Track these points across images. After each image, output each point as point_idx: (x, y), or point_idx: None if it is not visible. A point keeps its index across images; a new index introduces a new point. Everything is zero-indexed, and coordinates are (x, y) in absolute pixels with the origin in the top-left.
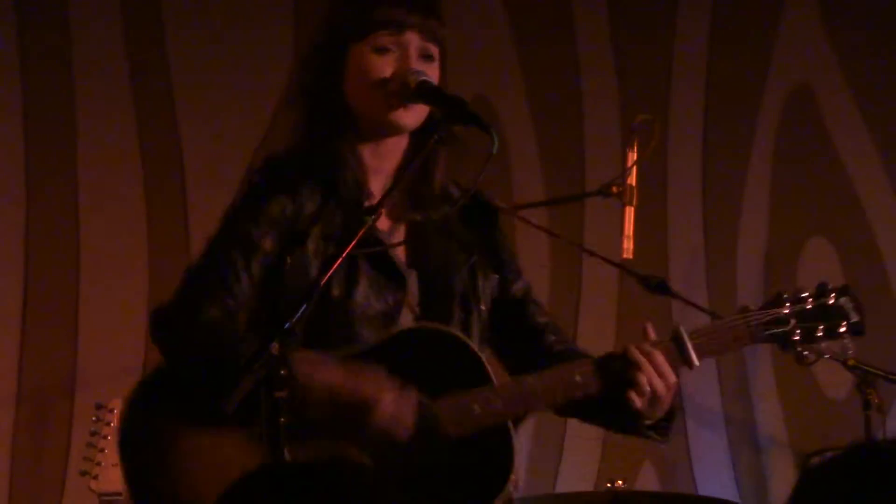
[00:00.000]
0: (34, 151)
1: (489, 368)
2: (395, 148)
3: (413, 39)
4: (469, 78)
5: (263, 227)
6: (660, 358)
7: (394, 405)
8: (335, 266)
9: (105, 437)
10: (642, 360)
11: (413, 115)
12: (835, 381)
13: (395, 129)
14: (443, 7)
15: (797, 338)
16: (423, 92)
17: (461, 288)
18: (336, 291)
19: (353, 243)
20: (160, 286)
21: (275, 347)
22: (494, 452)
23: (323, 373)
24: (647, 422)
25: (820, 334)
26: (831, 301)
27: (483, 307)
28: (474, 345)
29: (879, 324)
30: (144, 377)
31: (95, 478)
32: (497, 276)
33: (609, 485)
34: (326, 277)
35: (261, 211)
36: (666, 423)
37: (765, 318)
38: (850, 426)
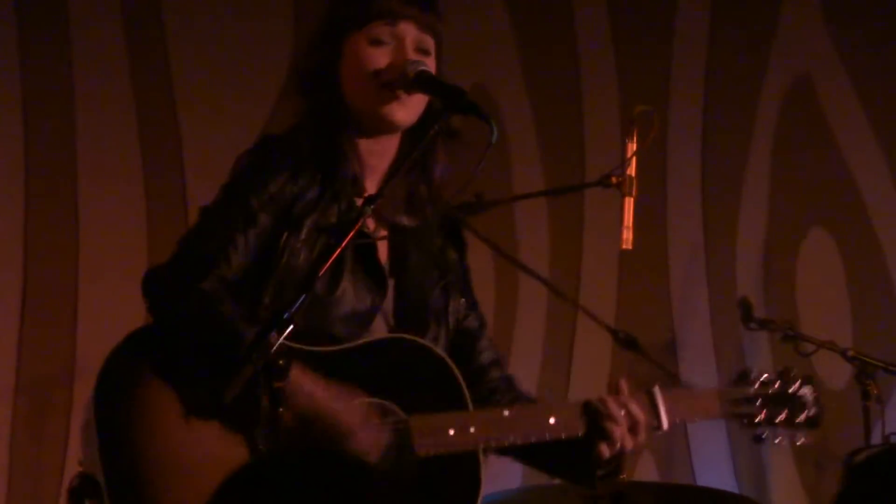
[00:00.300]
0: (33, 143)
1: (467, 394)
2: (390, 146)
3: (409, 30)
4: (468, 67)
5: (263, 201)
6: (640, 416)
7: (366, 442)
8: (334, 256)
9: None
10: (620, 415)
11: (406, 111)
12: (834, 372)
13: (387, 124)
14: None
15: (759, 420)
16: (422, 81)
17: (434, 304)
18: (318, 285)
19: (352, 234)
20: None
21: (274, 337)
22: (461, 483)
23: (308, 384)
24: (600, 472)
25: (780, 420)
26: (793, 389)
27: (450, 327)
28: (454, 366)
29: (878, 314)
30: (129, 335)
31: None
32: (463, 301)
33: None
34: (325, 268)
35: (262, 185)
36: (615, 472)
37: (736, 395)
38: (850, 417)
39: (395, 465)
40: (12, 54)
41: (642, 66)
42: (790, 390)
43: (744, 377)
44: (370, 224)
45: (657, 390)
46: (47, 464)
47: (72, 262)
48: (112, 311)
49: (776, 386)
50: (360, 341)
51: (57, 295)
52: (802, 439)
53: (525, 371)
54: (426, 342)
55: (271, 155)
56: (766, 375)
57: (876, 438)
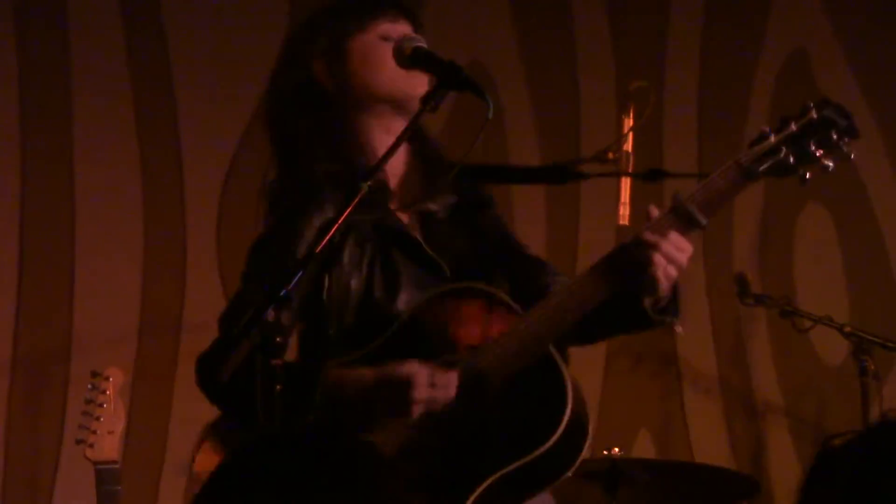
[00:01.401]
0: (29, 119)
1: (513, 304)
2: (400, 127)
3: (407, 30)
4: (465, 43)
5: (297, 252)
6: (673, 233)
7: (431, 375)
8: (331, 233)
9: (101, 406)
10: (659, 239)
11: (424, 84)
12: (831, 348)
13: (415, 101)
14: None
15: (792, 161)
16: (419, 58)
17: (479, 274)
18: (378, 294)
19: (349, 210)
20: (155, 254)
21: (270, 314)
22: (546, 387)
23: (352, 371)
24: (660, 305)
25: (814, 149)
26: (814, 115)
27: (515, 269)
28: (497, 290)
29: (875, 290)
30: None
31: (91, 446)
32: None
33: (605, 452)
34: (321, 245)
35: (293, 236)
36: (675, 302)
37: (754, 155)
38: (847, 393)
39: (478, 408)
40: (8, 25)
41: (638, 41)
42: (812, 118)
43: (760, 136)
44: (405, 219)
45: (679, 195)
46: (44, 439)
47: (68, 239)
48: (108, 287)
49: (794, 125)
50: (391, 330)
51: (53, 271)
52: (852, 152)
53: None
54: (451, 285)
55: (299, 201)
56: (783, 121)
57: (873, 415)
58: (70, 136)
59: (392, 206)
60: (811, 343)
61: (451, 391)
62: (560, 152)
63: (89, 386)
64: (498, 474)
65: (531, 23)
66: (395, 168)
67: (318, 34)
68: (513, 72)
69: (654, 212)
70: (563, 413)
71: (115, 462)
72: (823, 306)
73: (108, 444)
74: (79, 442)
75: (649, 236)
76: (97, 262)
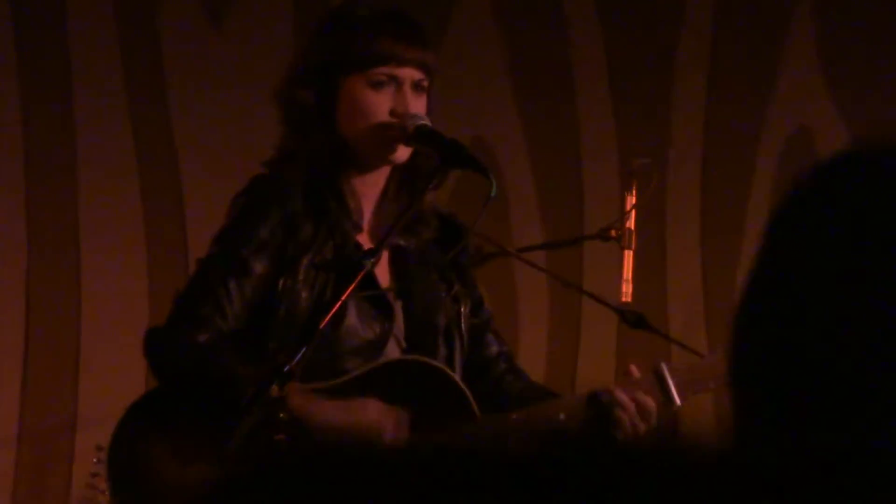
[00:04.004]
0: (34, 196)
1: (473, 403)
2: (382, 175)
3: (409, 74)
4: (467, 120)
5: (255, 249)
6: (648, 402)
7: (396, 431)
8: (334, 310)
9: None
10: (628, 402)
11: (406, 152)
12: None
13: (387, 163)
14: (443, 48)
15: None
16: (421, 136)
17: (445, 321)
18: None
19: (351, 288)
20: None
21: (274, 390)
22: None
23: (318, 406)
24: None
25: None
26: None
27: (465, 338)
28: (458, 379)
29: None
30: (137, 400)
31: None
32: (470, 301)
33: None
34: (326, 321)
35: (253, 232)
36: None
37: None
38: None
39: None
40: (14, 109)
41: (641, 117)
42: None
43: None
44: (365, 245)
45: (664, 368)
46: None
47: (74, 309)
48: (114, 358)
49: None
50: (356, 372)
51: (59, 342)
52: None
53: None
54: (425, 358)
55: (260, 199)
56: None
57: None
58: (76, 213)
59: (362, 234)
60: None
61: None
62: (563, 229)
63: (95, 460)
64: None
65: (534, 99)
66: (372, 194)
67: (320, 62)
68: (516, 148)
69: (635, 372)
70: None
71: None
72: None
73: None
74: None
75: (622, 396)
76: (102, 336)
